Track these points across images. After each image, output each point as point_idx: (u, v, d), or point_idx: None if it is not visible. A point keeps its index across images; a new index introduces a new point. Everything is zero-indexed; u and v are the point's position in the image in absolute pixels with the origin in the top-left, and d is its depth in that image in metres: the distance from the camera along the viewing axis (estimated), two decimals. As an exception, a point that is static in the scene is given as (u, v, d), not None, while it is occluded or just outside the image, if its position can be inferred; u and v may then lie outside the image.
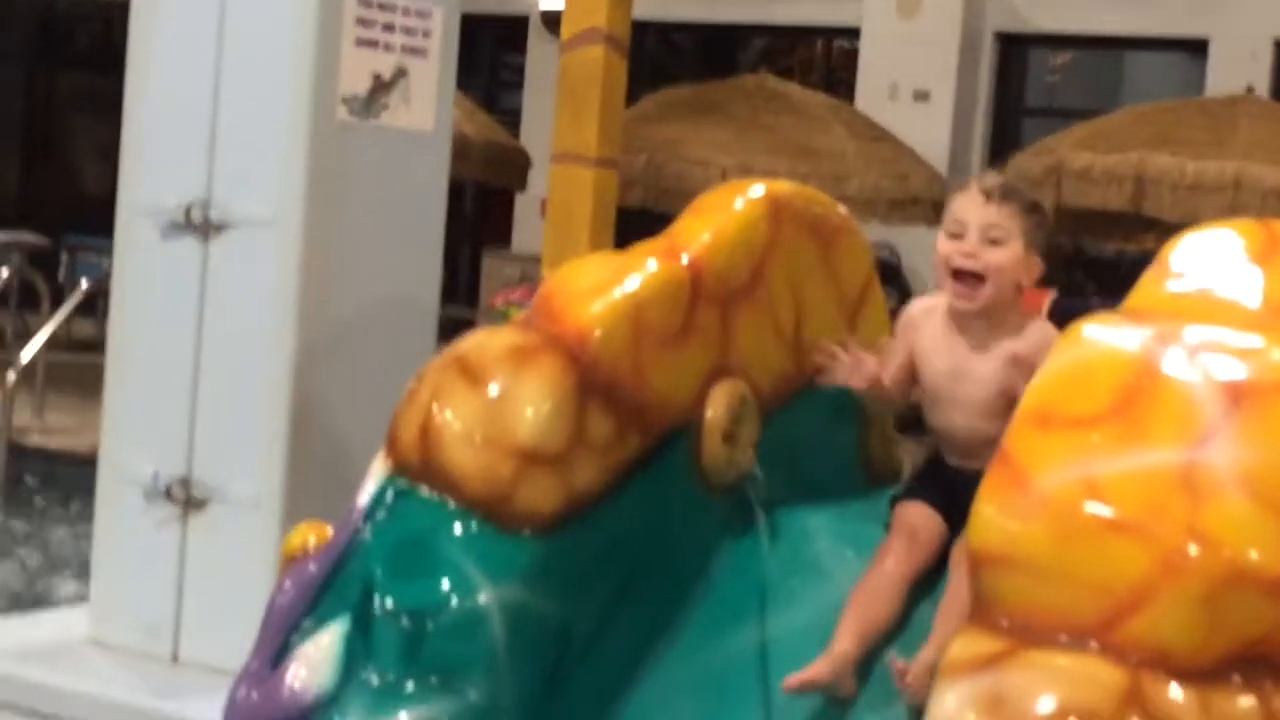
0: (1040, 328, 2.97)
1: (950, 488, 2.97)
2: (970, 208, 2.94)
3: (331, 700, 2.76)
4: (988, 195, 2.93)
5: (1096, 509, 2.25)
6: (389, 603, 2.78)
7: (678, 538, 3.11)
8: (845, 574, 3.04)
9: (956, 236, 2.94)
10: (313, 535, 3.01)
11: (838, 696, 2.83)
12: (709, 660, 3.03)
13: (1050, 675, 2.18)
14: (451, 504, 2.84)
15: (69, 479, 7.65)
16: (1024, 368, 2.84)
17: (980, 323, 2.96)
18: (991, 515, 2.32)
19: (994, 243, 2.92)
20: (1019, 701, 2.17)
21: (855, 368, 3.14)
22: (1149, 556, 2.20)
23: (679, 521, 3.11)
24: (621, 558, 2.99)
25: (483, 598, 2.77)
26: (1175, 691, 2.16)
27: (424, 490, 2.88)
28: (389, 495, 2.92)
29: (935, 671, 2.62)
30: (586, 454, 2.93)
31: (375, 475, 2.98)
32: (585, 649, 2.95)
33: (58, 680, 3.71)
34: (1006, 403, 2.80)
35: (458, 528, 2.83)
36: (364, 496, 2.96)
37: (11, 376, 8.79)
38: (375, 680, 2.74)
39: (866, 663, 2.88)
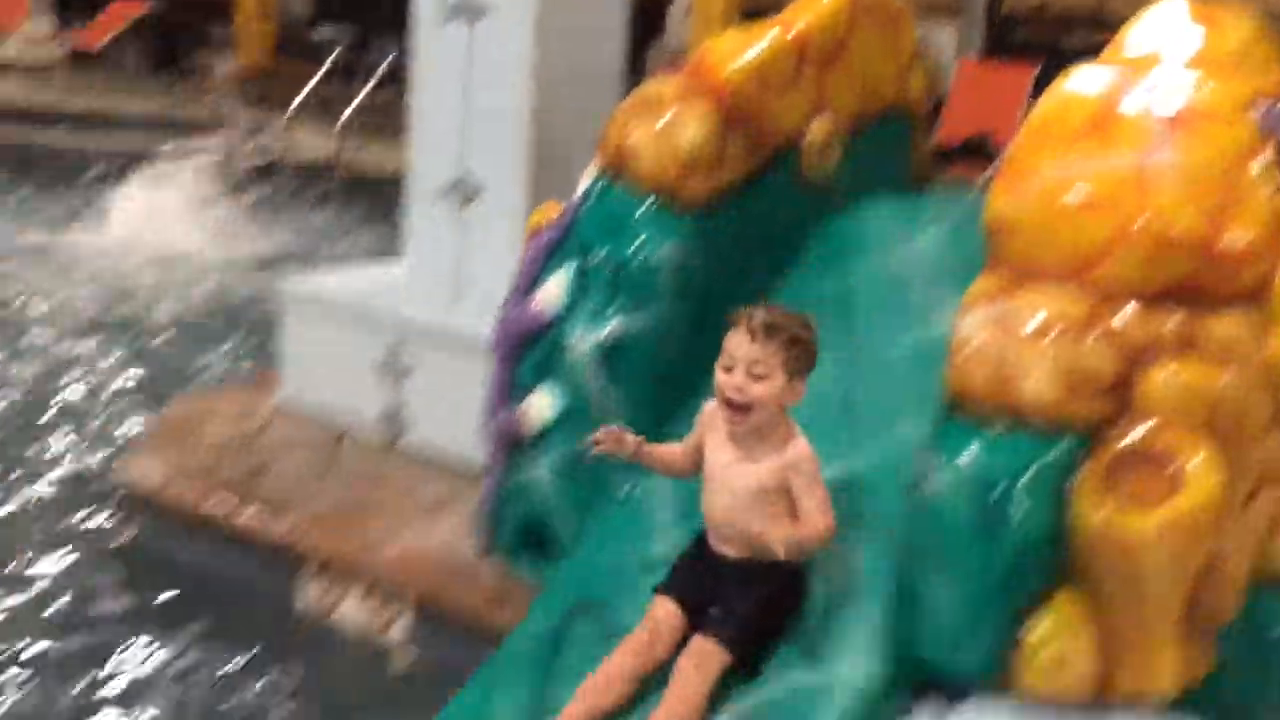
0: (793, 443, 2.38)
1: (702, 579, 2.39)
2: (740, 345, 2.34)
3: (564, 316, 2.81)
4: (753, 335, 2.33)
5: (1075, 194, 2.17)
6: (598, 255, 2.80)
7: (786, 220, 3.08)
8: (896, 237, 3.04)
9: (728, 370, 2.35)
10: (549, 213, 3.01)
11: None
12: (807, 300, 2.98)
13: (1040, 301, 2.14)
14: (638, 193, 2.82)
15: (384, 189, 7.71)
16: (779, 474, 2.36)
17: (748, 436, 2.39)
18: (1002, 199, 2.25)
19: (758, 378, 2.32)
20: (1018, 319, 2.13)
21: (615, 443, 2.48)
22: (1110, 226, 2.13)
23: (788, 209, 3.07)
24: (751, 230, 2.97)
25: (658, 254, 2.77)
26: (1125, 313, 2.12)
27: (620, 184, 2.85)
28: (598, 188, 2.90)
29: None
30: (728, 163, 2.88)
31: (588, 175, 2.96)
32: (721, 296, 2.94)
33: (390, 304, 3.83)
34: (759, 501, 2.35)
35: (642, 208, 2.81)
36: (581, 188, 2.95)
37: (338, 126, 8.92)
38: (590, 304, 2.78)
39: None
